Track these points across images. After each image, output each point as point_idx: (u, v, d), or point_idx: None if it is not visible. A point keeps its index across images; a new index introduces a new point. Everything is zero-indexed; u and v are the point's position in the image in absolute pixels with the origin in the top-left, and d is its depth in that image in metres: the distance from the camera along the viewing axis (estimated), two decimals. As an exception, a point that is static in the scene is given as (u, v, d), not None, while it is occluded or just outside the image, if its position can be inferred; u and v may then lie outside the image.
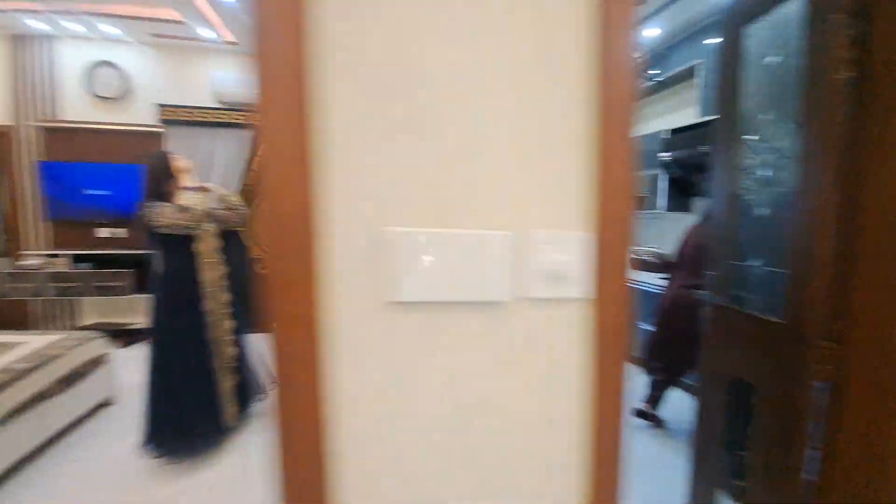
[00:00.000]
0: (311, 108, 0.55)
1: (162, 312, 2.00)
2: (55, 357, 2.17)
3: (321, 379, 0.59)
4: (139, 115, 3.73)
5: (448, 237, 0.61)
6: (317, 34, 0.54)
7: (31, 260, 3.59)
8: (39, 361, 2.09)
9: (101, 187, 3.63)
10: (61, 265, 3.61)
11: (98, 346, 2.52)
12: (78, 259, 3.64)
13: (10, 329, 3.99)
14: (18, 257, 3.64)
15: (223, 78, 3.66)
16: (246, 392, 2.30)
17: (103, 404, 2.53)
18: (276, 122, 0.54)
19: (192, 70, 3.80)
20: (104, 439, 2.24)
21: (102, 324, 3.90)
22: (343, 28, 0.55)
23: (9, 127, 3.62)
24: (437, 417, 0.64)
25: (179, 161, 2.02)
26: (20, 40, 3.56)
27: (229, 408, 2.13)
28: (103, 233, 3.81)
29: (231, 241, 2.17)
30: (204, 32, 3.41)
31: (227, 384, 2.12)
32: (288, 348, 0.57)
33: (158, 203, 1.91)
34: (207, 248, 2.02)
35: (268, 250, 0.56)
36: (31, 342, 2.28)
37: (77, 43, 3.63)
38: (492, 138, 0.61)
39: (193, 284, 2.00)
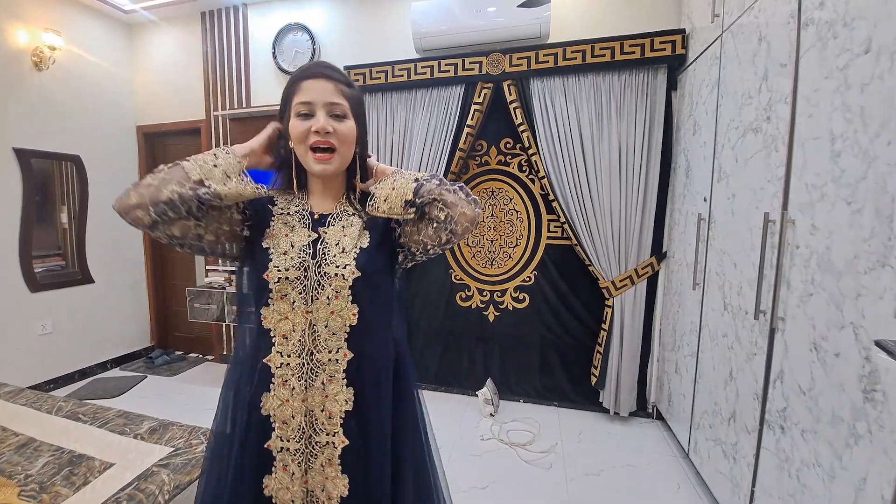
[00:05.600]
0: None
1: None
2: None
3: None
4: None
5: None
6: None
7: (215, 276, 3.03)
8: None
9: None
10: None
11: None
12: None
13: (200, 351, 3.43)
14: (208, 273, 3.14)
15: (424, 12, 2.41)
16: None
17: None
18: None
19: (386, 14, 2.70)
20: None
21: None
22: None
23: (201, 121, 3.19)
24: None
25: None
26: (211, 18, 3.07)
27: None
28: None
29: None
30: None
31: None
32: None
33: None
34: None
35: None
36: (119, 466, 1.20)
37: (264, 7, 2.94)
38: None
39: None
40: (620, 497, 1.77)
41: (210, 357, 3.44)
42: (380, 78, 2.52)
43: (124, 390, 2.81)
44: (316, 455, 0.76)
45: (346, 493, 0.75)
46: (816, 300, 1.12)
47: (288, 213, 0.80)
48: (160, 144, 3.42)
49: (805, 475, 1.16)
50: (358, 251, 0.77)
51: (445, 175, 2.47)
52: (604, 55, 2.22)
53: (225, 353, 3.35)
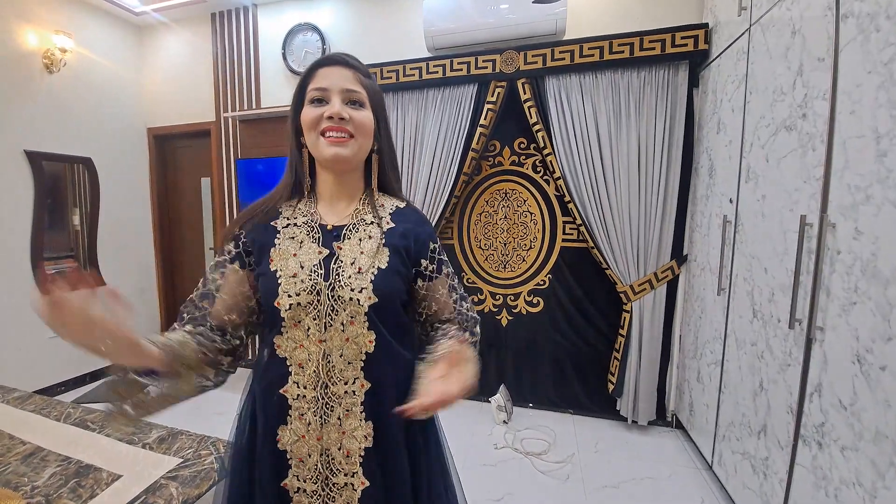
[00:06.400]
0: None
1: None
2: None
3: None
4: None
5: None
6: None
7: (225, 279, 3.00)
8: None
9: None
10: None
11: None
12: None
13: None
14: (218, 275, 3.12)
15: (436, 9, 2.36)
16: None
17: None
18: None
19: (397, 12, 2.66)
20: None
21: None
22: None
23: (211, 123, 3.17)
24: None
25: None
26: (220, 19, 3.05)
27: None
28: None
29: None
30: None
31: None
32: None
33: None
34: None
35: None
36: (126, 478, 1.15)
37: (274, 7, 2.91)
38: None
39: None
40: (641, 511, 1.70)
41: (219, 359, 3.43)
42: (391, 77, 2.47)
43: (134, 393, 2.80)
44: (334, 498, 0.69)
45: None
46: (860, 309, 1.04)
47: (294, 225, 0.72)
48: (170, 146, 3.42)
49: (844, 494, 1.08)
50: (376, 272, 0.69)
51: (458, 176, 2.42)
52: (622, 51, 2.15)
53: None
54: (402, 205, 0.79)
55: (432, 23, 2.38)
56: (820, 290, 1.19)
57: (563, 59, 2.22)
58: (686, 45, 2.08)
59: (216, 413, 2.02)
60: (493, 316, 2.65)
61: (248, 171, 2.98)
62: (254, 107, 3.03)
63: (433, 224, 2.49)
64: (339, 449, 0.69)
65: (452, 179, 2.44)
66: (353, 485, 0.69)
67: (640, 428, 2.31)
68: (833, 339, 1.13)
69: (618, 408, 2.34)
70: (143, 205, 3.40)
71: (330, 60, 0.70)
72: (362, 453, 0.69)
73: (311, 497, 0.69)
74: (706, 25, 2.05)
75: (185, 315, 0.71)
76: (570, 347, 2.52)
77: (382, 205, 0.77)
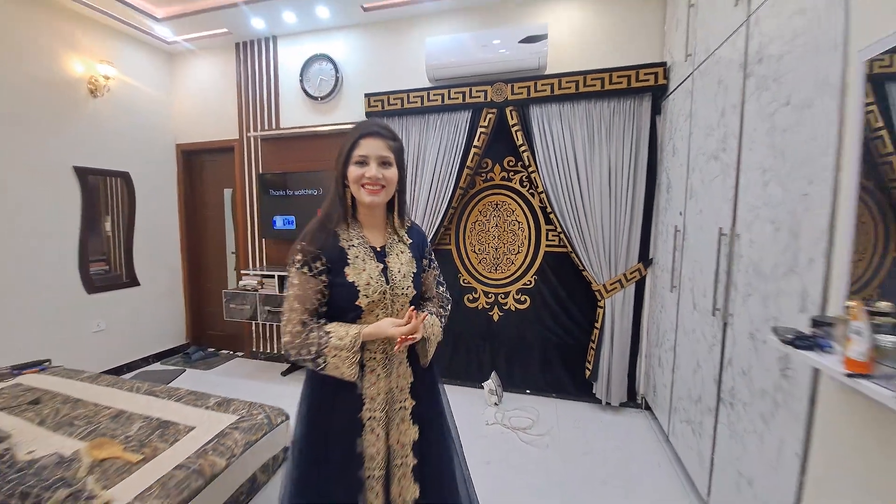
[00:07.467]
0: None
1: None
2: (219, 470, 1.33)
3: None
4: (349, 113, 3.17)
5: None
6: None
7: (248, 280, 3.36)
8: (199, 483, 1.25)
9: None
10: (270, 287, 3.26)
11: (279, 437, 1.65)
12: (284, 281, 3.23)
13: (232, 348, 3.84)
14: (241, 276, 3.48)
15: (437, 46, 2.73)
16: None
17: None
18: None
19: (402, 48, 3.03)
20: None
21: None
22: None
23: (236, 140, 3.54)
24: None
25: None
26: (244, 48, 3.43)
27: None
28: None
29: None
30: (422, -17, 2.55)
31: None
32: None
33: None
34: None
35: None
36: (200, 428, 1.52)
37: (292, 39, 3.29)
38: None
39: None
40: (608, 473, 2.04)
41: (241, 353, 3.78)
42: (396, 104, 2.84)
43: (168, 381, 3.14)
44: (394, 418, 1.09)
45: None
46: (753, 299, 1.40)
47: (353, 246, 1.04)
48: (197, 161, 3.79)
49: (746, 441, 1.43)
50: (412, 275, 1.09)
51: (455, 189, 2.79)
52: (594, 85, 2.51)
53: (254, 349, 3.69)
54: (410, 224, 1.18)
55: (433, 57, 2.75)
56: (731, 285, 1.54)
57: (545, 90, 2.59)
58: (648, 80, 2.44)
59: (243, 397, 2.35)
60: (486, 312, 3.01)
61: (268, 183, 3.35)
62: (274, 127, 3.40)
63: (433, 231, 2.86)
64: (397, 387, 1.09)
65: (450, 192, 2.80)
66: (405, 406, 1.09)
67: (613, 408, 2.66)
68: (738, 322, 1.49)
69: (594, 391, 2.69)
70: (171, 213, 3.77)
71: (369, 132, 1.03)
72: (409, 386, 1.10)
73: (379, 421, 1.05)
74: (664, 64, 2.42)
75: (307, 312, 1.02)
76: (552, 339, 2.87)
77: (400, 226, 1.13)
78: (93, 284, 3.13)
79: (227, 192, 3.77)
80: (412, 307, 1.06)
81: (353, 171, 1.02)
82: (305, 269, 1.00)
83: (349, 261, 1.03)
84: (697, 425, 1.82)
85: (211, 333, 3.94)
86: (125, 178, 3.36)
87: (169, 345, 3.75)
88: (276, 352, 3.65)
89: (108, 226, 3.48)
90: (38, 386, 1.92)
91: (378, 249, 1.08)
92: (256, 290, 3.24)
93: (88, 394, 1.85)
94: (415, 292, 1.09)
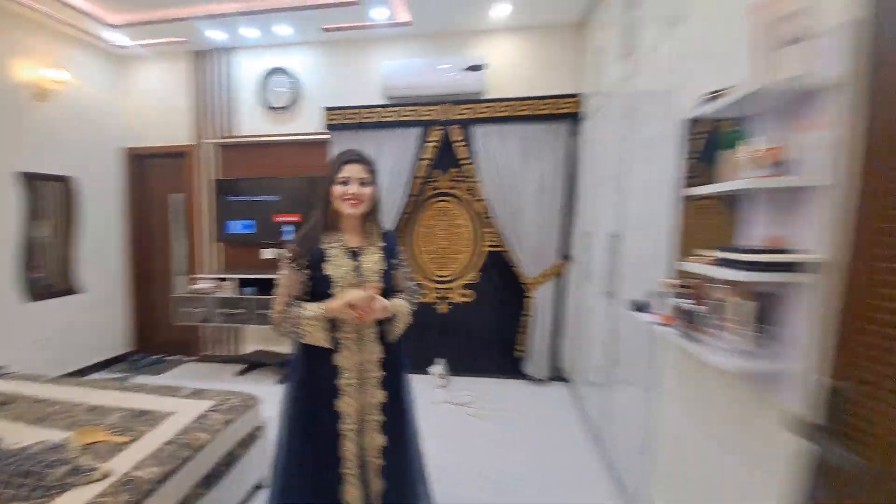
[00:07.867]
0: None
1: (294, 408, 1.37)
2: (204, 442, 1.54)
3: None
4: (307, 123, 3.37)
5: None
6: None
7: (203, 283, 3.43)
8: (188, 453, 1.47)
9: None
10: (228, 289, 3.36)
11: (252, 417, 1.88)
12: (244, 283, 3.36)
13: (181, 353, 3.90)
14: (193, 280, 3.53)
15: (392, 69, 3.04)
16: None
17: (258, 486, 1.90)
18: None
19: (360, 67, 3.30)
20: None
21: (262, 352, 3.61)
22: None
23: (191, 146, 3.59)
24: None
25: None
26: (201, 57, 3.51)
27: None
28: (267, 254, 3.52)
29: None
30: (377, 13, 2.84)
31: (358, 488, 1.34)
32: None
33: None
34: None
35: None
36: (179, 413, 1.70)
37: (252, 52, 3.44)
38: None
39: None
40: (535, 434, 2.47)
41: (193, 357, 3.79)
42: (353, 118, 3.11)
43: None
44: (366, 385, 1.33)
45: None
46: (630, 283, 1.87)
47: (333, 248, 1.30)
48: (147, 165, 3.76)
49: (624, 391, 1.90)
50: (383, 272, 1.32)
51: (407, 197, 3.11)
52: (525, 109, 2.96)
53: (207, 353, 3.73)
54: (383, 230, 1.46)
55: (389, 78, 3.07)
56: (617, 274, 2.02)
57: (486, 112, 3.00)
58: (568, 107, 2.93)
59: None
60: (434, 306, 3.35)
61: (225, 188, 3.44)
62: (230, 134, 3.50)
63: (387, 234, 3.17)
64: (368, 360, 1.33)
65: (403, 199, 3.12)
66: (375, 376, 1.34)
67: (540, 383, 3.13)
68: (622, 301, 1.96)
69: (525, 370, 3.14)
70: (117, 218, 3.71)
71: (351, 160, 1.32)
72: (378, 360, 1.35)
73: (353, 387, 1.31)
74: (579, 94, 2.92)
75: (291, 297, 1.29)
76: (491, 327, 3.29)
77: (375, 233, 1.43)
78: (31, 292, 3.04)
79: (174, 197, 3.75)
80: (373, 284, 1.32)
81: (338, 189, 1.31)
82: (293, 265, 1.28)
83: (327, 259, 1.31)
84: (598, 387, 2.30)
85: (158, 339, 3.90)
86: (67, 182, 3.29)
87: (113, 353, 3.68)
88: (233, 353, 3.73)
89: (48, 232, 3.37)
90: (1, 390, 1.95)
91: (354, 250, 1.36)
92: (212, 294, 3.33)
93: (57, 393, 1.92)
94: (383, 286, 1.31)
